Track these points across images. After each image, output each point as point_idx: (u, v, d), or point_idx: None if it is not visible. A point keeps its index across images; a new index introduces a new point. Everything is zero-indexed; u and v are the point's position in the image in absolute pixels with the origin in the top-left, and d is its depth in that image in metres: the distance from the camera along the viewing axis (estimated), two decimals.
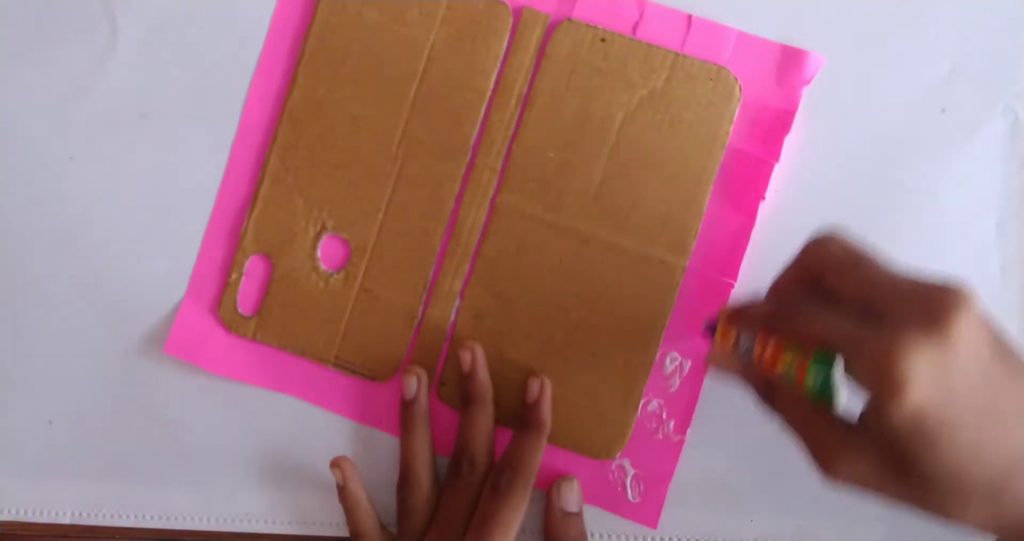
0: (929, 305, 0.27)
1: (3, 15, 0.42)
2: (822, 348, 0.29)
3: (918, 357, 0.26)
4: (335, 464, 0.41)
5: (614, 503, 0.41)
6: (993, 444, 0.28)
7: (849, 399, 0.30)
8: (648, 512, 0.41)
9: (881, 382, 0.27)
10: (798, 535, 0.42)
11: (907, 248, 0.40)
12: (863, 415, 0.29)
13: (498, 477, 0.38)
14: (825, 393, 0.29)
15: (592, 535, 0.41)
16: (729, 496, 0.42)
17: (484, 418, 0.40)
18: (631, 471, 0.41)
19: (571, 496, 0.40)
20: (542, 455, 0.39)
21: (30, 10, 0.41)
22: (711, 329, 0.35)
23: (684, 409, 0.41)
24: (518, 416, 0.40)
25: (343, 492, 0.41)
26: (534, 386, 0.40)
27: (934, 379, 0.26)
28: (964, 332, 0.27)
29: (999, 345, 0.29)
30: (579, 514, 0.41)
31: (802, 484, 0.41)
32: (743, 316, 0.33)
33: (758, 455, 0.41)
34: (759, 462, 0.41)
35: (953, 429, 0.27)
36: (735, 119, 0.40)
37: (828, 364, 0.29)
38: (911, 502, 0.29)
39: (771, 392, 0.33)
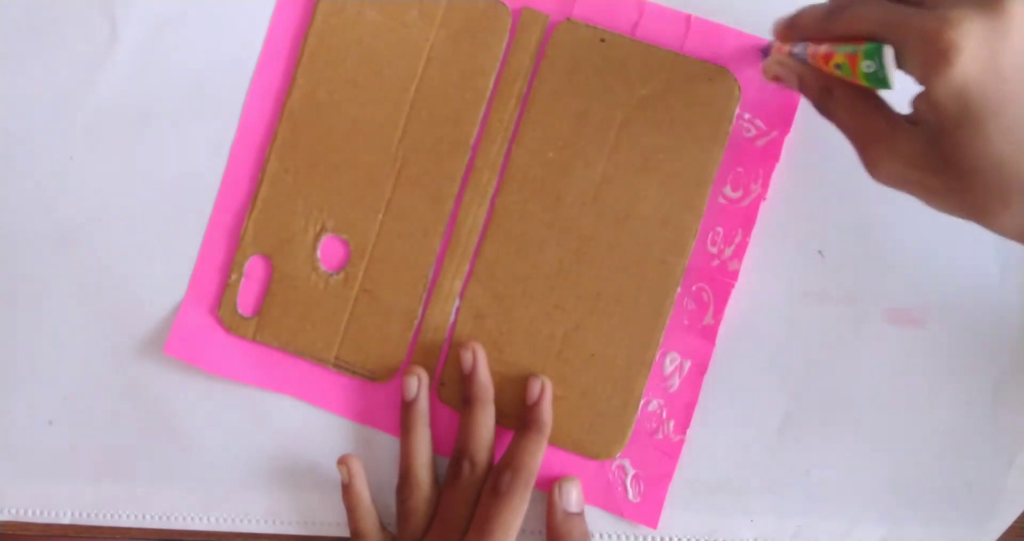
0: None
1: (3, 15, 0.42)
2: (873, 38, 0.29)
3: (967, 29, 0.26)
4: (342, 461, 0.41)
5: (614, 503, 0.41)
6: None
7: (900, 84, 0.29)
8: (648, 512, 0.41)
9: (928, 55, 0.26)
10: (798, 535, 0.42)
11: (907, 248, 0.40)
12: (912, 103, 0.29)
13: (498, 478, 0.38)
14: (878, 78, 0.29)
15: (592, 535, 0.41)
16: (729, 496, 0.42)
17: (484, 418, 0.40)
18: (631, 471, 0.41)
19: (572, 496, 0.40)
20: (543, 456, 0.39)
21: (30, 10, 0.42)
22: (765, 50, 0.36)
23: (684, 409, 0.41)
24: (518, 416, 0.40)
25: (347, 490, 0.41)
26: (535, 387, 0.40)
27: (983, 54, 0.26)
28: (1020, 11, 0.26)
29: None
30: (581, 514, 0.40)
31: (802, 484, 0.41)
32: (796, 23, 0.33)
33: (758, 455, 0.41)
34: (759, 462, 0.41)
35: (999, 111, 0.26)
36: (735, 119, 0.40)
37: (879, 49, 0.28)
38: (951, 200, 0.29)
39: (825, 96, 0.32)
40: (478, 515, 0.38)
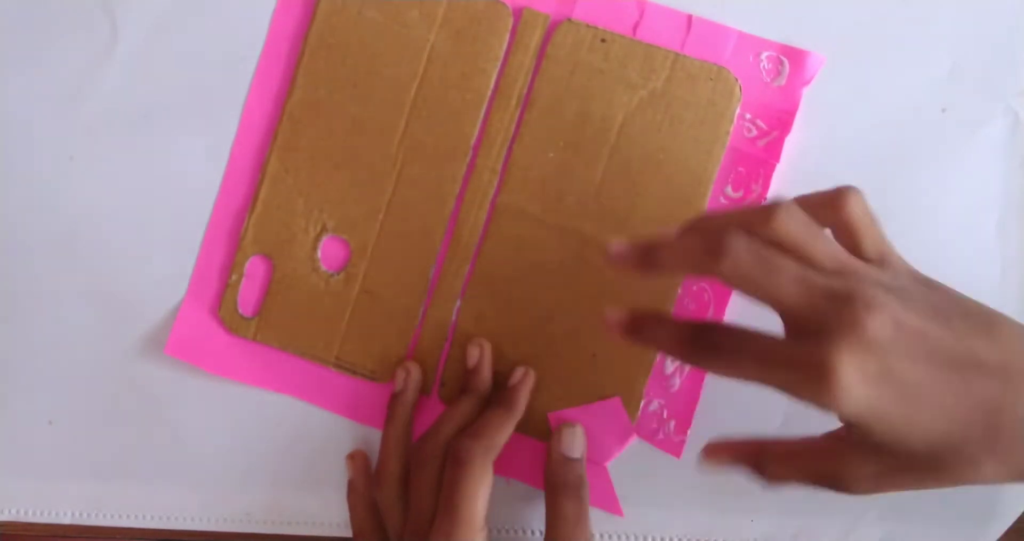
0: (846, 312, 0.28)
1: (3, 15, 0.42)
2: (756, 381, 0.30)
3: (843, 364, 0.27)
4: (351, 456, 0.41)
5: (613, 504, 0.41)
6: (943, 407, 0.28)
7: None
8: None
9: (818, 395, 0.28)
10: (798, 535, 0.42)
11: (907, 248, 0.40)
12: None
13: (457, 445, 0.37)
14: None
15: (592, 535, 0.41)
16: (729, 496, 0.42)
17: (470, 409, 0.39)
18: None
19: (573, 442, 0.39)
20: (507, 435, 0.38)
21: (30, 10, 0.41)
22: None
23: (684, 409, 0.41)
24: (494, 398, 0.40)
25: (350, 486, 0.41)
26: (517, 373, 0.40)
27: (859, 378, 0.27)
28: (878, 327, 0.27)
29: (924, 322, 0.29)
30: (579, 460, 0.39)
31: None
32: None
33: None
34: None
35: (896, 414, 0.28)
36: (735, 119, 0.40)
37: None
38: (929, 484, 0.30)
39: (760, 461, 0.33)
40: (443, 490, 0.37)
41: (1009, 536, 0.42)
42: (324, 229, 0.41)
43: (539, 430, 0.41)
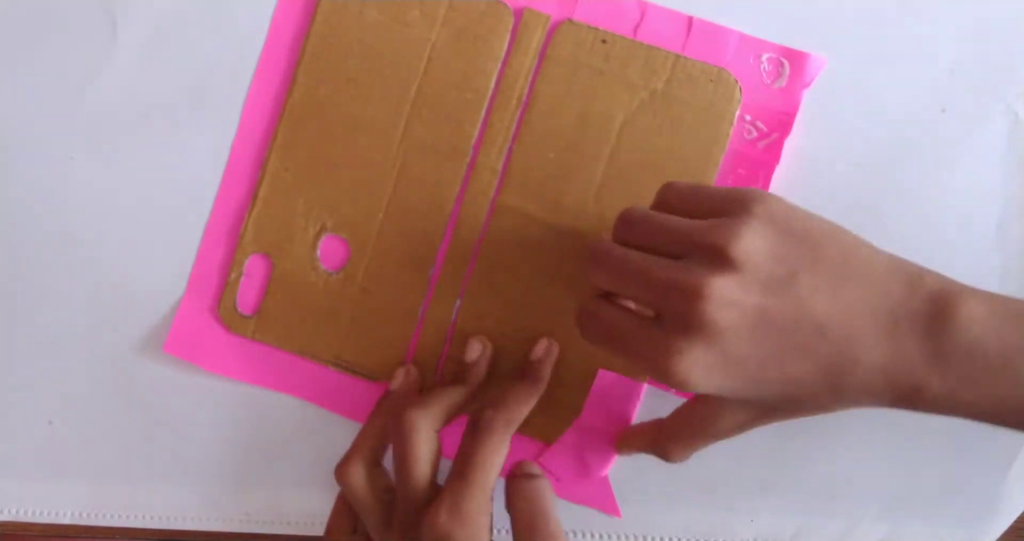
0: (682, 305, 0.30)
1: (3, 14, 0.42)
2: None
3: (688, 357, 0.30)
4: None
5: (613, 506, 0.41)
6: (787, 375, 0.30)
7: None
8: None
9: (668, 382, 0.30)
10: (798, 535, 0.42)
11: (908, 248, 0.40)
12: None
13: (478, 415, 0.37)
14: None
15: (591, 535, 0.41)
16: (729, 496, 0.42)
17: (460, 399, 0.39)
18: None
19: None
20: (529, 408, 0.38)
21: (30, 10, 0.41)
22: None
23: None
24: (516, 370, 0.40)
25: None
26: (541, 345, 0.40)
27: (706, 370, 0.30)
28: (718, 319, 0.30)
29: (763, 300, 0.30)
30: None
31: (802, 484, 0.42)
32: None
33: (758, 455, 0.41)
34: (759, 462, 0.41)
35: (744, 387, 0.31)
36: (735, 121, 0.40)
37: None
38: (791, 418, 0.33)
39: (661, 447, 0.37)
40: (457, 456, 0.37)
41: (1009, 536, 0.42)
42: (324, 228, 0.41)
43: (539, 430, 0.41)
